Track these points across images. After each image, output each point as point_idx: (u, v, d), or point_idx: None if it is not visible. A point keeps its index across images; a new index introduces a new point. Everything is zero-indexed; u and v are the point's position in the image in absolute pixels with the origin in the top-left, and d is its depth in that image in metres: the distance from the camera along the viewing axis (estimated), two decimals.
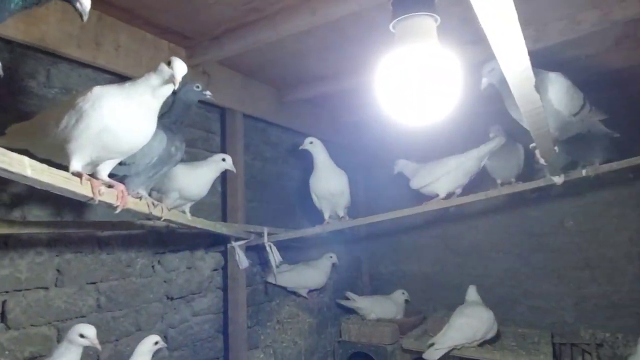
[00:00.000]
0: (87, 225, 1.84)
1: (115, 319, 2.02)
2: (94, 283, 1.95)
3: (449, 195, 2.43)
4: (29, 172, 0.97)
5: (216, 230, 2.08)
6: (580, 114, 1.59)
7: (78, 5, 0.94)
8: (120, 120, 1.18)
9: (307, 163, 2.98)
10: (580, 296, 3.18)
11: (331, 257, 3.28)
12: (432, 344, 2.71)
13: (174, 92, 1.32)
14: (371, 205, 3.84)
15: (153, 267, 2.23)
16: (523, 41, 0.87)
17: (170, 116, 1.52)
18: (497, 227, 3.43)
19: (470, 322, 2.72)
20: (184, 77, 1.27)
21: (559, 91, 1.56)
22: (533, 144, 1.50)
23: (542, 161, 1.64)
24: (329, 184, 2.55)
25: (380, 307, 3.29)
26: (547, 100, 1.52)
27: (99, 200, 1.22)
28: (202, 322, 2.46)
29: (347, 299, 3.36)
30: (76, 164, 1.18)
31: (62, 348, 1.46)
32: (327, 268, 3.25)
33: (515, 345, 2.80)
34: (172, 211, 1.61)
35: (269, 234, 2.60)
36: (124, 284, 2.07)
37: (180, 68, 1.25)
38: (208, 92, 1.67)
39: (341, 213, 2.58)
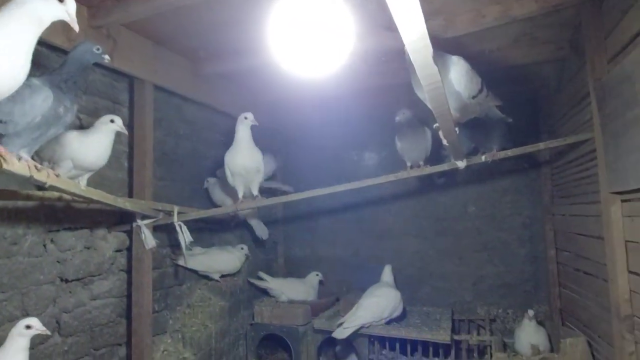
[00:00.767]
0: None
1: None
2: None
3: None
4: None
5: (117, 205, 1.94)
6: (478, 97, 1.70)
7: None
8: None
9: (224, 142, 2.88)
10: (478, 276, 3.44)
11: (242, 248, 3.22)
12: (342, 324, 2.78)
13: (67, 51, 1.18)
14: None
15: (45, 245, 2.03)
16: (419, 8, 0.89)
17: (61, 74, 1.37)
18: (408, 212, 3.59)
19: (378, 302, 2.83)
20: (84, 38, 1.15)
21: (459, 72, 1.66)
22: (436, 124, 1.57)
23: (445, 141, 1.73)
24: (245, 160, 2.49)
25: (293, 289, 3.31)
26: (448, 81, 1.60)
27: None
28: (102, 306, 2.29)
29: (261, 279, 3.33)
30: None
31: (7, 345, 1.51)
32: (241, 256, 3.19)
33: (419, 323, 2.96)
34: (61, 178, 1.45)
35: (179, 213, 2.48)
36: (8, 263, 1.86)
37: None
38: (107, 56, 1.54)
39: (255, 192, 2.53)
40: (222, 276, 3.09)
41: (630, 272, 1.90)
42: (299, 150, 3.90)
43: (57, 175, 1.43)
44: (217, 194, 3.08)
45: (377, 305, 2.81)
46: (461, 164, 2.25)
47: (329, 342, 3.21)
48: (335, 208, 3.75)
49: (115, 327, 2.38)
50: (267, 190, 3.40)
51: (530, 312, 2.77)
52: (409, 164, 2.46)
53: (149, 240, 2.32)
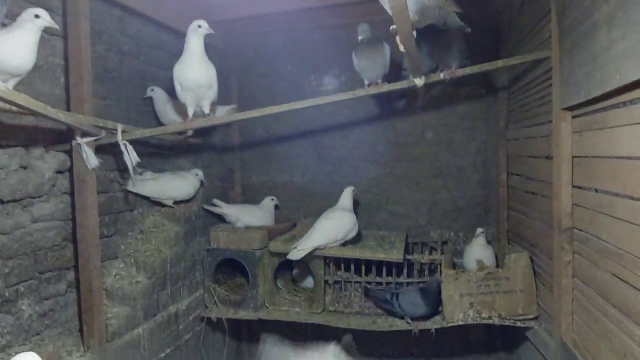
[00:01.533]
0: None
1: None
2: None
3: None
4: None
5: (48, 115, 1.77)
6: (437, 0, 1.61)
7: None
8: None
9: (174, 64, 2.68)
10: (433, 202, 3.52)
11: (197, 174, 3.12)
12: (297, 246, 2.80)
13: None
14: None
15: None
16: None
17: None
18: (366, 138, 3.56)
19: (332, 225, 2.85)
20: None
21: None
22: (394, 26, 1.49)
23: (402, 48, 1.65)
24: (196, 73, 2.32)
25: (249, 215, 3.28)
26: None
27: None
28: (44, 229, 2.18)
29: (215, 205, 3.27)
30: None
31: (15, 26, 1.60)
32: (195, 182, 3.09)
33: (374, 245, 3.03)
34: None
35: (123, 132, 2.34)
36: None
37: None
38: None
39: (207, 110, 2.40)
40: (176, 203, 3.00)
41: (574, 186, 1.96)
42: (254, 76, 3.72)
43: None
44: (169, 115, 2.92)
45: (331, 228, 2.84)
46: (419, 82, 2.19)
47: (286, 265, 3.26)
48: (293, 135, 3.66)
49: (62, 251, 2.28)
50: None
51: (479, 230, 2.88)
52: (367, 83, 2.38)
53: (91, 159, 2.18)
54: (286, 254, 2.87)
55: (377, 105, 3.53)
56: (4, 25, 1.72)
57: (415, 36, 1.57)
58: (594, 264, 1.78)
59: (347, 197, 3.06)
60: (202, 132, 3.28)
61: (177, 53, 2.64)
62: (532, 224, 2.65)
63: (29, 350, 2.00)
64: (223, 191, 3.63)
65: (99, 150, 2.34)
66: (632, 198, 1.43)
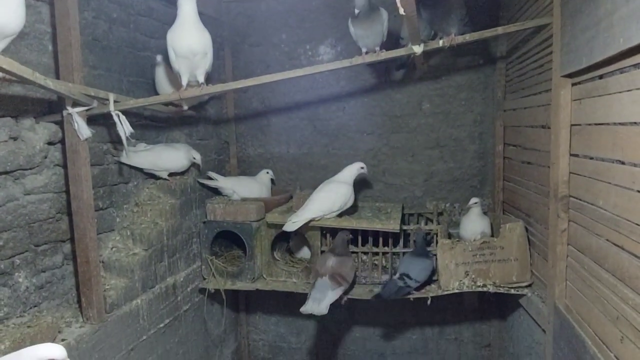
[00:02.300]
0: None
1: None
2: None
3: None
4: None
5: (37, 82, 1.72)
6: None
7: None
8: None
9: (166, 32, 2.61)
10: (429, 173, 3.51)
11: (194, 157, 3.05)
12: (294, 218, 2.80)
13: None
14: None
15: None
16: None
17: None
18: (362, 109, 3.52)
19: (328, 196, 2.85)
20: None
21: None
22: None
23: (401, 11, 1.61)
24: (191, 40, 2.25)
25: (245, 187, 3.26)
26: None
27: None
28: (38, 201, 2.15)
29: (210, 178, 3.25)
30: None
31: None
32: (188, 155, 3.05)
33: (371, 215, 3.03)
34: None
35: (115, 102, 2.29)
36: None
37: None
38: None
39: (201, 79, 2.34)
40: (171, 175, 2.97)
41: (571, 154, 1.95)
42: (248, 46, 3.64)
43: None
44: (164, 86, 2.85)
45: (327, 199, 2.83)
46: (418, 49, 2.15)
47: (283, 236, 3.27)
48: (289, 106, 3.62)
49: (57, 223, 2.27)
50: None
51: (474, 199, 2.89)
52: (364, 50, 2.33)
53: (83, 130, 2.13)
54: (282, 226, 2.87)
55: (373, 75, 3.48)
56: None
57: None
58: (589, 231, 1.79)
59: (348, 171, 3.01)
60: (196, 104, 3.23)
61: (168, 21, 2.56)
62: (528, 194, 2.66)
63: (27, 322, 2.02)
64: (218, 163, 3.60)
65: (91, 120, 2.29)
66: (630, 164, 1.43)
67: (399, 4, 1.55)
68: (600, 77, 1.65)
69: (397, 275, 2.73)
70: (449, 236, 3.09)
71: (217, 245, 3.45)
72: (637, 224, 1.40)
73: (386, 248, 2.96)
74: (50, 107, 2.22)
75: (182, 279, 3.00)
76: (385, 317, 3.72)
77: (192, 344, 3.16)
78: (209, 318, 3.39)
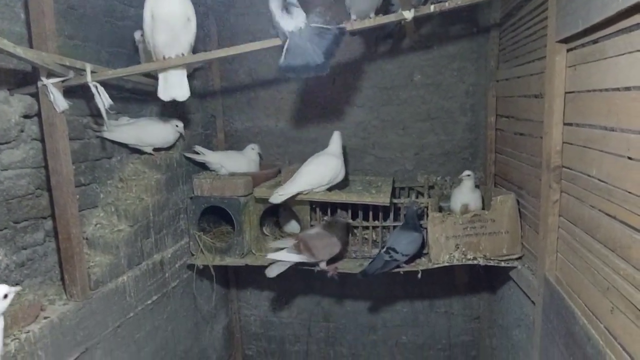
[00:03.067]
0: None
1: None
2: None
3: None
4: None
5: (5, 49, 1.63)
6: None
7: None
8: None
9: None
10: (420, 146, 3.46)
11: (177, 125, 2.98)
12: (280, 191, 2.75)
13: None
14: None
15: None
16: None
17: None
18: (352, 81, 3.43)
19: (317, 170, 2.79)
20: None
21: None
22: None
23: None
24: (172, 3, 2.13)
25: (232, 162, 3.19)
26: None
27: None
28: (15, 177, 2.07)
29: (197, 153, 3.17)
30: None
31: None
32: (174, 130, 2.97)
33: (361, 189, 2.99)
34: None
35: (92, 72, 2.19)
36: None
37: None
38: None
39: (184, 51, 2.23)
40: (156, 149, 2.89)
41: (565, 124, 1.90)
42: (234, 15, 3.50)
43: None
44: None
45: (315, 173, 2.78)
46: (409, 14, 2.06)
47: (272, 211, 3.23)
48: (277, 78, 3.51)
49: (37, 199, 2.19)
50: None
51: (466, 172, 2.84)
52: (354, 17, 2.22)
53: (59, 102, 2.04)
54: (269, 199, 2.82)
55: (363, 46, 3.37)
56: None
57: None
58: (581, 202, 1.76)
59: (335, 141, 2.96)
60: None
61: None
62: (520, 166, 2.62)
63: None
64: (205, 138, 3.51)
65: (68, 92, 2.19)
66: (626, 131, 1.38)
67: None
68: (596, 41, 1.59)
69: (384, 249, 2.72)
70: (440, 209, 3.06)
71: (205, 221, 3.40)
72: (631, 193, 1.36)
73: (376, 222, 2.92)
74: (25, 79, 2.11)
75: (169, 256, 2.95)
76: (376, 290, 3.72)
77: (182, 320, 3.15)
78: (198, 294, 3.37)
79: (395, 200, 2.89)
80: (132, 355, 2.59)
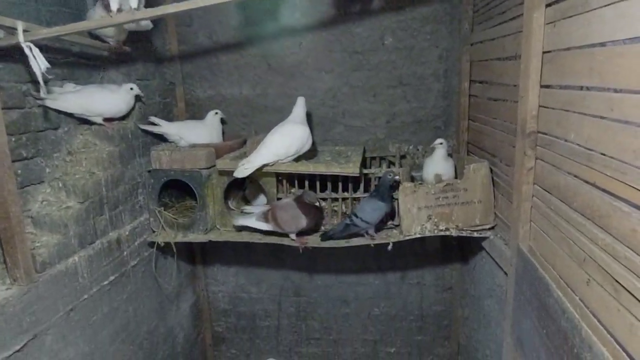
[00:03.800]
0: None
1: None
2: None
3: None
4: None
5: None
6: None
7: None
8: None
9: None
10: (391, 114, 3.32)
11: (132, 89, 2.74)
12: (245, 163, 2.58)
13: None
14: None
15: None
16: None
17: None
18: (320, 45, 3.23)
19: (283, 140, 2.63)
20: None
21: None
22: None
23: None
24: None
25: (193, 132, 2.98)
26: None
27: None
28: None
29: (153, 124, 2.94)
30: None
31: None
32: (127, 98, 2.73)
33: (330, 159, 2.84)
34: None
35: (26, 31, 1.94)
36: None
37: None
38: None
39: (134, 3, 1.99)
40: (106, 120, 2.66)
41: (542, 86, 1.79)
42: None
43: None
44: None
45: (281, 143, 2.61)
46: None
47: (238, 184, 3.06)
48: (240, 42, 3.28)
49: None
50: None
51: (438, 140, 2.73)
52: None
53: None
54: (233, 172, 2.64)
55: (331, 6, 3.16)
56: None
57: None
58: (557, 169, 1.67)
59: (300, 107, 2.79)
60: (133, 39, 2.86)
61: None
62: (493, 133, 2.52)
63: None
64: (163, 107, 3.28)
65: (3, 56, 1.95)
66: (609, 89, 1.27)
67: None
68: None
69: (349, 215, 2.67)
70: (412, 179, 2.96)
71: (168, 195, 3.21)
72: (613, 157, 1.26)
73: (346, 193, 2.80)
74: None
75: (127, 233, 2.77)
76: (347, 264, 3.64)
77: (144, 300, 2.99)
78: (162, 272, 3.21)
79: (365, 171, 2.76)
80: (88, 340, 2.43)
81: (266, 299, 3.85)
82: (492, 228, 2.57)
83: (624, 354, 1.21)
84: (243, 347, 4.01)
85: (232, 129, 3.43)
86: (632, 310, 1.19)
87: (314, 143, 2.90)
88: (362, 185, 2.81)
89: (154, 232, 2.97)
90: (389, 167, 3.07)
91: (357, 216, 2.59)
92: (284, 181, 2.81)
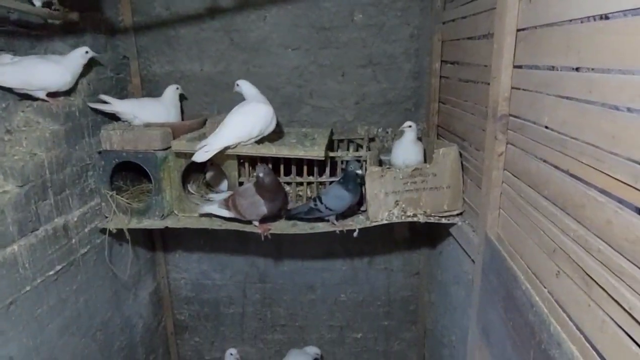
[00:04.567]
0: None
1: None
2: None
3: None
4: None
5: None
6: None
7: None
8: None
9: None
10: (360, 94, 3.19)
11: (87, 52, 2.51)
12: (204, 146, 2.41)
13: None
14: None
15: None
16: None
17: None
18: (287, 20, 3.05)
19: (245, 120, 2.46)
20: None
21: None
22: None
23: None
24: None
25: (148, 110, 2.77)
26: None
27: None
28: None
29: (104, 102, 2.71)
30: None
31: None
32: (75, 66, 2.49)
33: (294, 142, 2.70)
34: None
35: None
36: None
37: None
38: None
39: None
40: (50, 95, 2.42)
41: (515, 66, 1.69)
42: None
43: None
44: None
45: (243, 124, 2.44)
46: None
47: (198, 167, 2.88)
48: (199, 14, 3.05)
49: None
50: None
51: (407, 123, 2.63)
52: None
53: None
54: (191, 154, 2.47)
55: None
56: None
57: None
58: (529, 154, 1.58)
59: (251, 89, 2.62)
60: (79, 6, 2.60)
61: None
62: (464, 115, 2.43)
63: None
64: (116, 83, 3.04)
65: None
66: (588, 69, 1.18)
67: None
68: None
69: (313, 198, 2.57)
70: (380, 163, 2.85)
71: (122, 178, 3.01)
72: (589, 144, 1.17)
73: (311, 177, 2.67)
74: None
75: (76, 219, 2.57)
76: (314, 250, 3.54)
77: (97, 289, 2.81)
78: (117, 260, 3.02)
79: (332, 154, 2.63)
80: (33, 334, 2.25)
81: (230, 285, 3.72)
82: (461, 214, 2.51)
83: (593, 352, 1.14)
84: (207, 334, 3.89)
85: (193, 107, 3.23)
86: (604, 307, 1.12)
87: (279, 124, 2.74)
88: (328, 170, 2.68)
89: (106, 217, 2.78)
90: (357, 150, 2.96)
91: (321, 201, 2.48)
92: (246, 164, 2.66)
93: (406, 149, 2.60)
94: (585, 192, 1.20)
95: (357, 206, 2.63)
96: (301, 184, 2.71)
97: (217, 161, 2.64)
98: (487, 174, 1.93)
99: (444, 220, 2.50)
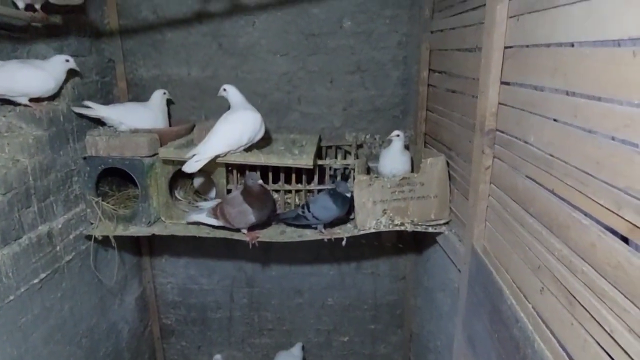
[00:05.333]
0: None
1: None
2: None
3: None
4: None
5: None
6: None
7: None
8: None
9: None
10: (348, 101, 3.20)
11: (67, 60, 2.46)
12: (194, 155, 2.39)
13: None
14: None
15: None
16: None
17: None
18: (275, 26, 3.04)
19: (234, 128, 2.45)
20: None
21: None
22: None
23: None
24: None
25: (134, 116, 2.73)
26: None
27: None
28: None
29: (87, 107, 2.67)
30: None
31: None
32: (58, 72, 2.44)
33: (283, 149, 2.70)
34: None
35: None
36: None
37: None
38: None
39: None
40: (32, 100, 2.38)
41: (502, 82, 1.71)
42: None
43: None
44: None
45: (232, 132, 2.43)
46: None
47: (184, 173, 2.86)
48: (187, 18, 3.03)
49: None
50: None
51: (395, 132, 2.64)
52: None
53: None
54: (179, 161, 2.45)
55: None
56: None
57: None
58: (515, 170, 1.61)
59: (238, 96, 2.61)
60: (64, 8, 2.55)
61: None
62: (451, 126, 2.45)
63: None
64: (102, 87, 2.99)
65: None
66: (574, 94, 1.20)
67: None
68: None
69: (302, 205, 2.59)
70: (368, 171, 2.87)
71: (108, 184, 2.98)
72: (574, 166, 1.20)
73: (299, 185, 2.68)
74: None
75: (60, 226, 2.53)
76: (302, 255, 3.55)
77: (82, 296, 2.78)
78: (103, 266, 2.98)
79: (320, 162, 2.64)
80: (17, 343, 2.22)
81: (218, 290, 3.70)
82: (447, 223, 2.53)
83: None
84: (194, 339, 3.87)
85: (180, 112, 3.20)
86: (587, 326, 1.15)
87: (267, 131, 2.74)
88: (316, 177, 2.69)
89: (91, 224, 2.74)
90: (344, 157, 2.97)
91: (309, 209, 2.48)
92: (234, 171, 2.65)
93: (394, 159, 2.61)
94: (570, 214, 1.23)
95: (346, 216, 2.64)
96: (289, 191, 2.71)
97: (205, 169, 2.62)
98: (474, 186, 1.96)
99: (430, 230, 2.53)
